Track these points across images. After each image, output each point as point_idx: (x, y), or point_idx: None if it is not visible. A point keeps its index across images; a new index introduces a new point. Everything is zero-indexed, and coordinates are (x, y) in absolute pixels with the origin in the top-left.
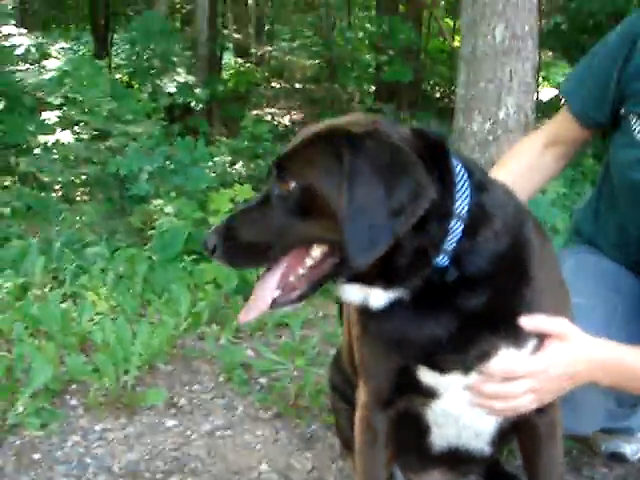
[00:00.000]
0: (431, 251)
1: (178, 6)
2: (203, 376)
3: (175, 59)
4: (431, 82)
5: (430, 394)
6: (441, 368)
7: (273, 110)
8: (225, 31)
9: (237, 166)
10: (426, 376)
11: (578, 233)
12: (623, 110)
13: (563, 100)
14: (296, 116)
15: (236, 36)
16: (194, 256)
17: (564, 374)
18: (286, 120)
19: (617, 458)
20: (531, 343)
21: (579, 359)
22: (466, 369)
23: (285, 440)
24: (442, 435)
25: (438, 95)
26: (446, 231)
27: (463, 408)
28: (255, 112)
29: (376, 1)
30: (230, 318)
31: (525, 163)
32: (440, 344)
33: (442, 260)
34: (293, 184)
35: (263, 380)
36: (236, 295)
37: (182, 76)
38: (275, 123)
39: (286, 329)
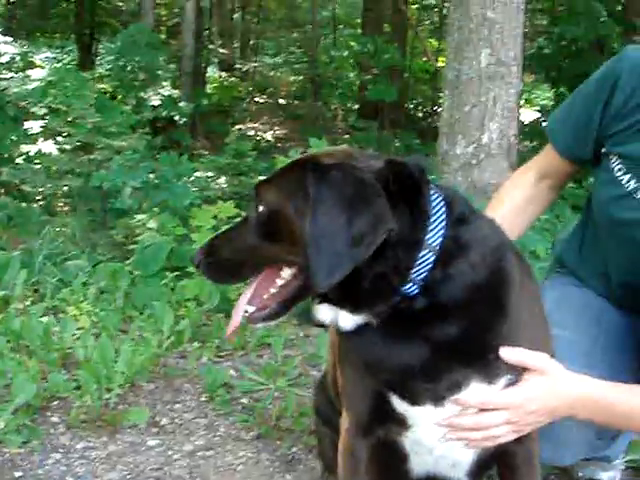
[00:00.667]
0: (395, 279)
1: (164, 19)
2: (185, 395)
3: (160, 72)
4: (414, 102)
5: (404, 424)
6: (411, 399)
7: (256, 125)
8: (210, 45)
9: (221, 182)
10: (398, 405)
11: (562, 264)
12: (604, 149)
13: (549, 137)
14: (279, 132)
15: (221, 51)
16: (176, 272)
17: (542, 408)
18: (269, 136)
19: None
20: (503, 379)
21: (558, 394)
22: (437, 401)
23: (266, 461)
24: (420, 463)
25: (421, 115)
26: (414, 261)
27: (436, 440)
28: (238, 127)
29: (361, 20)
30: (211, 336)
31: (522, 196)
32: (410, 372)
33: (410, 288)
34: (262, 207)
35: (245, 400)
36: (217, 313)
37: (166, 89)
38: (258, 138)
39: (268, 349)
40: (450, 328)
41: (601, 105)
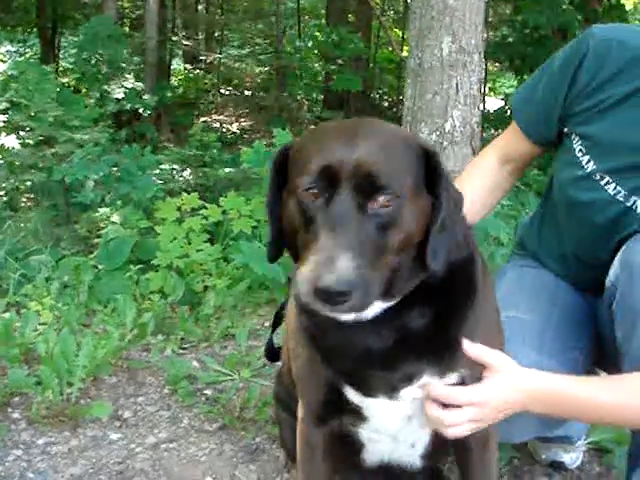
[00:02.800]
0: (419, 265)
1: (127, 11)
2: (148, 388)
3: (123, 65)
4: (380, 91)
5: (358, 415)
6: (365, 390)
7: (221, 117)
8: (174, 37)
9: (185, 174)
10: (353, 397)
11: (522, 247)
12: (566, 129)
13: (512, 115)
14: (245, 123)
15: (185, 43)
16: (140, 265)
17: (503, 404)
18: (234, 127)
19: (556, 467)
20: (455, 374)
21: (516, 389)
22: (390, 392)
23: (230, 452)
24: (375, 451)
25: (387, 104)
26: None
27: (391, 427)
28: (203, 119)
29: (326, 10)
30: (176, 328)
31: (483, 184)
32: (369, 360)
33: None
34: (390, 197)
35: (208, 392)
36: (182, 305)
37: (130, 82)
38: (223, 130)
39: (232, 340)
40: (415, 320)
41: (566, 84)
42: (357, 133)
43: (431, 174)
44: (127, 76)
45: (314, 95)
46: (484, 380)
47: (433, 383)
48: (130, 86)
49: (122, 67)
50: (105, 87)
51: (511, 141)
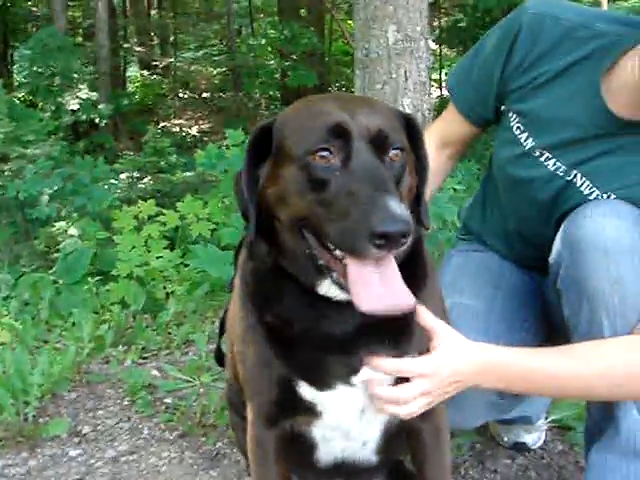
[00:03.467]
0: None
1: (79, 21)
2: (108, 401)
3: (76, 75)
4: (337, 85)
5: (312, 412)
6: (321, 383)
7: (181, 121)
8: (126, 44)
9: (143, 181)
10: (307, 393)
11: (467, 230)
12: (504, 106)
13: (450, 96)
14: (204, 126)
15: (138, 49)
16: (100, 277)
17: (453, 376)
18: (194, 130)
19: (519, 448)
20: (411, 354)
21: (466, 361)
22: (349, 376)
23: (190, 460)
24: (329, 450)
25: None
26: None
27: (351, 421)
28: (163, 124)
29: (278, 7)
30: (137, 338)
31: None
32: (330, 347)
33: None
34: (398, 149)
35: (169, 400)
36: (144, 314)
37: (84, 92)
38: (183, 134)
39: (193, 346)
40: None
41: (502, 60)
42: (349, 99)
43: (410, 138)
44: (81, 86)
45: (271, 92)
46: (432, 351)
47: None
48: (85, 96)
49: (75, 78)
50: (60, 99)
51: (449, 123)
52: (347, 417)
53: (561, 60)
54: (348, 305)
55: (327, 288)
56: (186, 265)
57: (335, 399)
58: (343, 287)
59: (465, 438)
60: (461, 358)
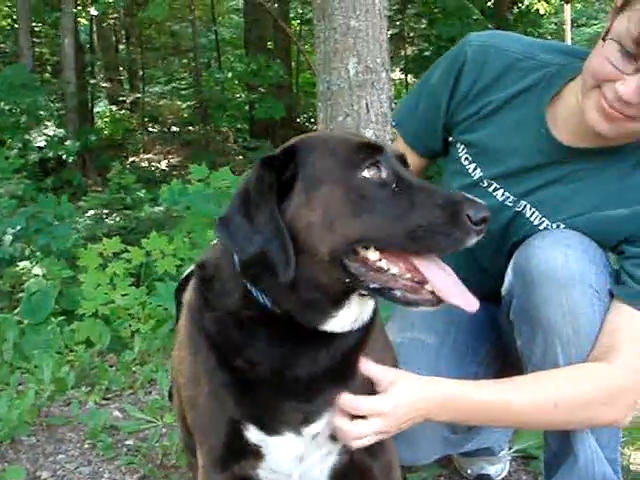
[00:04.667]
0: None
1: (47, 57)
2: (68, 444)
3: (43, 112)
4: (305, 116)
5: (258, 455)
6: (272, 428)
7: (150, 156)
8: (93, 80)
9: (109, 219)
10: (254, 436)
11: None
12: (451, 137)
13: (397, 130)
14: (173, 160)
15: (104, 84)
16: (65, 316)
17: (406, 414)
18: (163, 165)
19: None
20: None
21: (418, 398)
22: (300, 425)
23: None
24: None
25: (314, 128)
26: None
27: (285, 466)
28: (132, 159)
29: (244, 40)
30: (100, 379)
31: None
32: (290, 391)
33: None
34: None
35: (130, 442)
36: (109, 353)
37: (51, 129)
38: (152, 168)
39: (156, 385)
40: (351, 337)
41: (447, 93)
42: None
43: None
44: (48, 123)
45: (239, 125)
46: (386, 392)
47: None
48: (52, 133)
49: (42, 115)
50: (27, 136)
51: None
52: (287, 462)
53: (506, 90)
54: (325, 344)
55: (338, 323)
56: (151, 303)
57: (279, 444)
58: (410, 302)
59: (429, 471)
60: (416, 395)
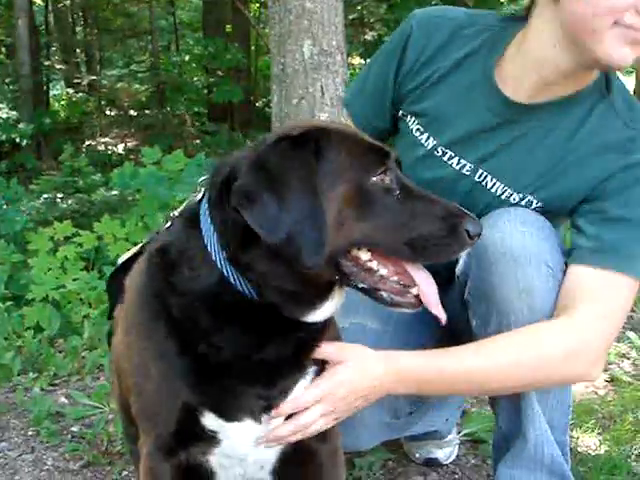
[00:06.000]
0: None
1: (1, 39)
2: (11, 432)
3: None
4: (264, 100)
5: (212, 441)
6: (230, 414)
7: (107, 139)
8: (47, 62)
9: (61, 202)
10: (211, 422)
11: None
12: (401, 111)
13: (346, 111)
14: (130, 143)
15: (59, 66)
16: (14, 301)
17: (353, 391)
18: (120, 148)
19: (431, 464)
20: (313, 368)
21: (367, 374)
22: (260, 412)
23: None
24: (228, 477)
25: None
26: None
27: (248, 448)
28: (89, 142)
29: (202, 23)
30: (48, 364)
31: None
32: (253, 376)
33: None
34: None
35: (75, 428)
36: (60, 338)
37: (4, 112)
38: (109, 152)
39: (104, 370)
40: (302, 333)
41: (394, 66)
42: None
43: None
44: (0, 105)
45: (197, 109)
46: (326, 371)
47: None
48: (5, 116)
49: None
50: None
51: None
52: (244, 445)
53: (452, 56)
54: (295, 330)
55: (322, 314)
56: (102, 287)
57: (238, 430)
58: (395, 303)
59: (377, 456)
60: (360, 373)
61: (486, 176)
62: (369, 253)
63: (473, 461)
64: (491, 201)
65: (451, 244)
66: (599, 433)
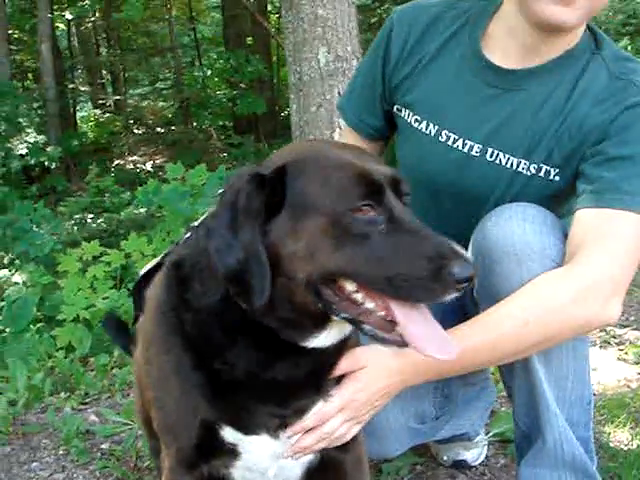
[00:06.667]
0: None
1: (27, 65)
2: (43, 452)
3: (22, 120)
4: (288, 109)
5: (232, 454)
6: (248, 429)
7: (135, 157)
8: (71, 85)
9: (91, 222)
10: (230, 436)
11: None
12: (395, 106)
13: (341, 116)
14: (158, 160)
15: (82, 88)
16: (46, 323)
17: (372, 394)
18: (148, 166)
19: (459, 466)
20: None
21: (381, 374)
22: (275, 429)
23: None
24: None
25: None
26: None
27: (270, 461)
28: (117, 162)
29: (223, 37)
30: (79, 384)
31: None
32: (267, 395)
33: None
34: (408, 197)
35: (105, 446)
36: (91, 357)
37: (32, 136)
38: (138, 170)
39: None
40: (313, 356)
41: (380, 62)
42: (347, 146)
43: None
44: (29, 130)
45: (221, 122)
46: (342, 383)
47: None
48: (33, 140)
49: (22, 122)
50: (8, 144)
51: None
52: (264, 458)
53: (436, 41)
54: (306, 352)
55: (321, 341)
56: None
57: (256, 443)
58: (379, 338)
59: (404, 460)
60: (375, 375)
61: (497, 153)
62: (355, 284)
63: (502, 461)
64: (512, 178)
65: (433, 288)
66: (631, 427)
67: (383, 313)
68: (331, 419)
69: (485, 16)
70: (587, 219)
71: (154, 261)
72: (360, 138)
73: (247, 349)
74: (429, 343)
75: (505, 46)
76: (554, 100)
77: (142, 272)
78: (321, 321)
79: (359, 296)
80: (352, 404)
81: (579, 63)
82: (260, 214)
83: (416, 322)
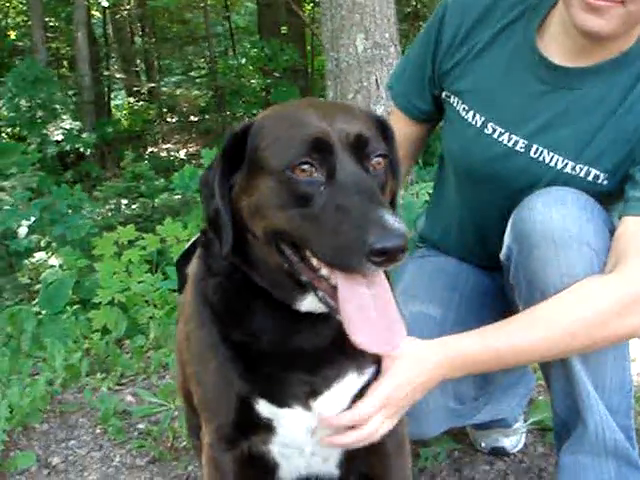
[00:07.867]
0: None
1: (62, 52)
2: (80, 430)
3: (58, 106)
4: (322, 98)
5: (268, 429)
6: (280, 400)
7: (169, 145)
8: (106, 72)
9: (126, 207)
10: (265, 410)
11: (422, 239)
12: (444, 92)
13: (390, 96)
14: (192, 148)
15: (119, 76)
16: (82, 305)
17: (412, 389)
18: (182, 154)
19: (498, 453)
20: (372, 369)
21: (422, 369)
22: (307, 398)
23: None
24: (291, 469)
25: None
26: None
27: (305, 437)
28: (151, 149)
29: (257, 26)
30: (115, 365)
31: None
32: (295, 364)
33: None
34: (380, 159)
35: (142, 426)
36: (127, 339)
37: (68, 123)
38: (171, 158)
39: (169, 369)
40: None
41: (432, 45)
42: (326, 105)
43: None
44: (64, 117)
45: (255, 111)
46: (382, 375)
47: (353, 380)
48: (68, 126)
49: (58, 108)
50: (44, 131)
51: (394, 125)
52: (298, 435)
53: (490, 29)
54: (324, 318)
55: (309, 305)
56: (166, 288)
57: (290, 417)
58: (331, 308)
59: (442, 445)
60: (416, 370)
61: (542, 151)
62: None
63: (541, 449)
64: (555, 177)
65: (347, 256)
66: None
67: (335, 282)
68: (372, 420)
69: (544, 7)
70: (633, 227)
71: (194, 237)
72: (406, 117)
73: (265, 316)
74: (359, 329)
75: (560, 42)
76: (608, 102)
77: (186, 246)
78: (299, 283)
79: (315, 261)
80: (391, 401)
81: (636, 65)
82: (225, 166)
83: (355, 301)
